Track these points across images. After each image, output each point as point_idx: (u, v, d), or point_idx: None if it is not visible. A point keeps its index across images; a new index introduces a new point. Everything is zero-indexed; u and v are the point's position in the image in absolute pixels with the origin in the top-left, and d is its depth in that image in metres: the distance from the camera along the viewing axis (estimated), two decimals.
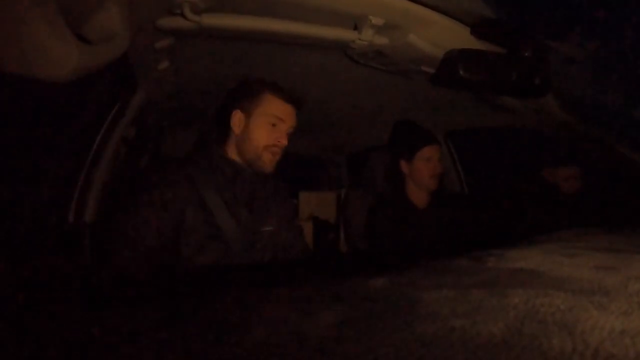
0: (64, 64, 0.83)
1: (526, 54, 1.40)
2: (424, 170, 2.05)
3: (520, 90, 1.47)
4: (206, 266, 1.34)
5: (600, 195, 2.23)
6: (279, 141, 1.51)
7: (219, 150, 1.56)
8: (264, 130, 1.51)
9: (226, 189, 1.48)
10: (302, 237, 1.77)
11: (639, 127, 1.32)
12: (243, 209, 1.50)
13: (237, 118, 1.53)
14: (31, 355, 0.31)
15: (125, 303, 0.33)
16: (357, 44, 1.46)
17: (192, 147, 2.62)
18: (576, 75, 1.41)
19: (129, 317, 0.36)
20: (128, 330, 0.34)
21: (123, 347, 0.32)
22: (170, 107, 2.40)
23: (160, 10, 1.28)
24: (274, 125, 1.51)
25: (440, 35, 1.41)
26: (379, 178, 2.34)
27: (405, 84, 1.93)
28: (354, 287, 0.49)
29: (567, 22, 1.21)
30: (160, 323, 0.37)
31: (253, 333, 0.33)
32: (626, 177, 1.75)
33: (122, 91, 1.90)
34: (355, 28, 1.42)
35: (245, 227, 1.48)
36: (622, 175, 1.82)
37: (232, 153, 1.55)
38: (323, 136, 3.41)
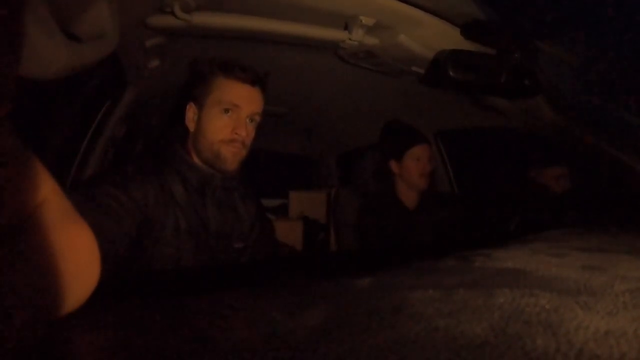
0: (53, 62, 0.82)
1: (516, 55, 1.41)
2: (413, 170, 2.05)
3: (510, 91, 1.48)
4: (184, 266, 1.23)
5: (589, 195, 2.25)
6: (236, 133, 1.26)
7: (180, 152, 1.31)
8: (217, 121, 1.27)
9: (193, 199, 1.27)
10: (271, 245, 1.59)
11: (628, 127, 1.33)
12: (212, 222, 1.31)
13: (190, 112, 1.31)
14: None
15: (96, 306, 0.32)
16: (348, 44, 1.47)
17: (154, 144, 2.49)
18: (565, 76, 1.41)
19: (101, 321, 0.36)
20: (99, 334, 0.34)
21: (94, 352, 0.31)
22: (160, 105, 2.39)
23: (150, 9, 1.28)
24: (227, 111, 1.27)
25: (430, 36, 1.42)
26: (369, 178, 2.34)
27: (395, 84, 1.94)
28: (340, 286, 0.49)
29: (557, 23, 1.22)
30: (133, 326, 0.37)
31: (234, 333, 0.33)
32: (615, 177, 1.76)
33: (112, 89, 1.89)
34: (346, 28, 1.42)
35: (217, 242, 1.31)
36: (611, 176, 1.83)
37: (194, 156, 1.32)
38: (313, 135, 3.41)
